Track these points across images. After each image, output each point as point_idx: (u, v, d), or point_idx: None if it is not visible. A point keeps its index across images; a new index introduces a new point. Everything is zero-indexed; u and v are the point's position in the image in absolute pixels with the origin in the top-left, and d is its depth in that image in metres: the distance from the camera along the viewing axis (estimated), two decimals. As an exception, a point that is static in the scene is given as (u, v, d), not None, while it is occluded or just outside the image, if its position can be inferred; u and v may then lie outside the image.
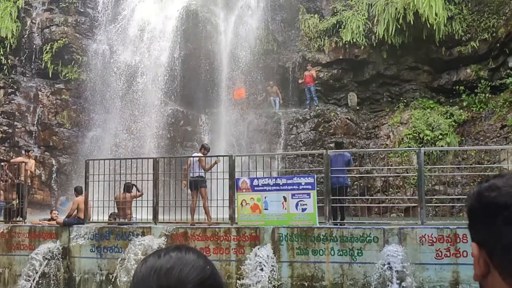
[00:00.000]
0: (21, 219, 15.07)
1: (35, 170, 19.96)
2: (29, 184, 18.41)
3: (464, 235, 10.07)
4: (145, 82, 23.71)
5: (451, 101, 22.12)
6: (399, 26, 21.71)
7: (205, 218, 13.63)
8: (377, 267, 10.10)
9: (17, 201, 15.48)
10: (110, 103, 23.81)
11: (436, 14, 21.11)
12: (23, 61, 25.82)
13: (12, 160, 16.83)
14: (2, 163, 17.64)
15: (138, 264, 1.46)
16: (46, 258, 12.94)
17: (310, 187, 11.73)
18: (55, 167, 23.81)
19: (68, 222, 13.63)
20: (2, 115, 24.05)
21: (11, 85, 24.91)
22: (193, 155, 14.99)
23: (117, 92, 23.74)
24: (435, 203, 16.44)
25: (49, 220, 15.16)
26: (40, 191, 23.22)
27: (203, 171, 13.86)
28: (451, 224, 10.67)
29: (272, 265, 11.00)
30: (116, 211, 14.31)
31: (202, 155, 14.18)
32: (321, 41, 24.10)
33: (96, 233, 13.07)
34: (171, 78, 23.68)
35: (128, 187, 14.39)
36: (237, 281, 11.14)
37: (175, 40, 24.03)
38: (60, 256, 13.13)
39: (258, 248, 11.30)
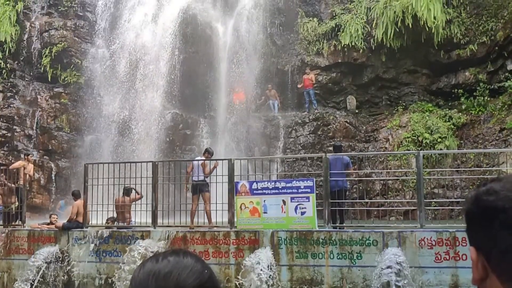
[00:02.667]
0: (20, 223, 15.06)
1: (33, 174, 19.95)
2: (28, 188, 18.40)
3: (463, 239, 10.07)
4: (144, 85, 23.71)
5: (450, 104, 22.14)
6: (397, 30, 21.75)
7: (204, 222, 13.61)
8: (377, 272, 10.09)
9: (16, 205, 15.47)
10: (109, 106, 23.80)
11: (434, 18, 21.14)
12: (22, 65, 25.83)
13: (11, 166, 16.80)
14: (2, 167, 17.62)
15: (136, 268, 1.46)
16: (45, 262, 12.93)
17: (309, 190, 11.72)
18: (54, 171, 23.79)
19: (67, 226, 13.62)
20: (1, 119, 24.05)
21: (10, 89, 24.91)
22: (196, 158, 14.98)
23: (116, 96, 23.74)
24: (434, 206, 16.44)
25: (48, 224, 15.13)
26: (39, 195, 23.20)
27: None
28: (450, 227, 10.68)
29: (271, 269, 10.99)
30: (113, 215, 14.28)
31: (205, 159, 14.18)
32: (320, 44, 24.12)
33: (95, 237, 13.05)
34: (170, 82, 23.69)
35: (127, 191, 14.39)
36: (237, 285, 11.12)
37: (174, 44, 24.04)
38: (59, 260, 13.11)
39: (258, 252, 11.28)
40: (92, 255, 12.99)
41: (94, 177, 13.70)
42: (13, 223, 15.09)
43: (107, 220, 13.95)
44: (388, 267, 9.91)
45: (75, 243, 13.30)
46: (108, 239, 12.95)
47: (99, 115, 23.99)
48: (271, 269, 10.96)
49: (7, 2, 25.99)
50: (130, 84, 23.72)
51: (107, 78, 24.24)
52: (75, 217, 13.88)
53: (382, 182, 19.11)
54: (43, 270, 12.87)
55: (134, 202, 14.26)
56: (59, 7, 26.31)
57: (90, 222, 14.01)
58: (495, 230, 1.29)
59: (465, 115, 20.96)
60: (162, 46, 24.06)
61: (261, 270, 10.70)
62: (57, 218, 15.26)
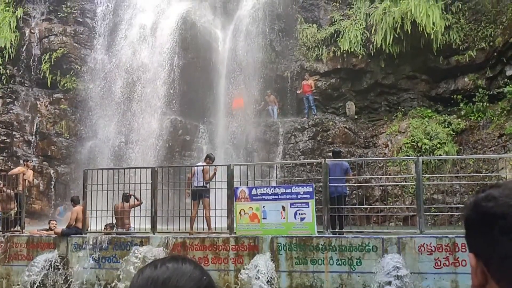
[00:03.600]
0: (19, 229, 15.03)
1: (33, 180, 19.93)
2: (27, 194, 18.39)
3: (463, 244, 10.06)
4: (143, 91, 23.73)
5: (449, 110, 22.16)
6: (396, 36, 21.79)
7: (203, 228, 13.60)
8: (377, 278, 10.08)
9: (15, 211, 15.45)
10: (109, 112, 23.81)
11: (433, 24, 21.19)
12: (22, 71, 25.84)
13: (10, 172, 16.79)
14: (1, 173, 17.59)
15: (135, 274, 1.46)
16: (44, 268, 12.90)
17: (308, 196, 11.72)
18: (53, 176, 23.77)
19: (66, 232, 13.60)
20: (1, 125, 24.04)
21: (10, 95, 24.92)
22: (197, 164, 14.98)
23: (116, 102, 23.75)
24: (434, 212, 16.43)
25: (47, 230, 15.11)
26: (38, 201, 23.16)
27: None
28: (450, 233, 10.67)
29: (271, 275, 10.97)
30: (112, 221, 14.26)
31: (206, 164, 14.18)
32: (319, 50, 24.17)
33: (95, 243, 13.04)
34: (170, 88, 23.70)
35: (126, 197, 14.39)
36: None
37: (174, 50, 24.09)
38: (58, 266, 13.09)
39: (257, 258, 11.27)
40: (91, 261, 12.97)
41: (94, 183, 13.69)
42: (12, 229, 15.06)
43: (106, 226, 13.93)
44: (389, 273, 9.90)
45: (74, 249, 13.28)
46: (107, 245, 12.93)
47: (98, 121, 23.98)
48: (270, 275, 10.94)
49: (7, 8, 26.05)
50: (129, 91, 23.74)
51: (106, 83, 24.22)
52: (74, 223, 13.86)
53: (381, 188, 19.10)
54: (42, 277, 12.83)
55: (133, 208, 14.25)
56: (58, 13, 26.36)
57: (89, 228, 14.00)
58: (494, 236, 1.29)
59: (464, 121, 20.98)
60: (161, 52, 24.09)
61: (261, 276, 10.67)
62: (56, 224, 15.24)
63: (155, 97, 23.54)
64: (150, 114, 23.40)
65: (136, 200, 14.28)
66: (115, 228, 14.19)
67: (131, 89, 23.75)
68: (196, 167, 14.31)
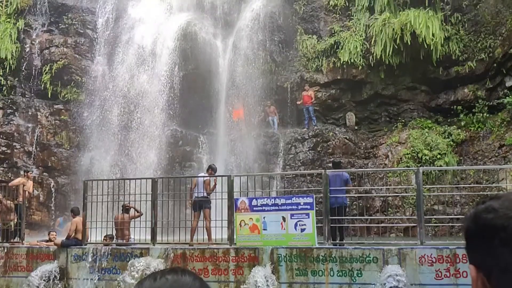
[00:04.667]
0: (19, 240, 14.99)
1: (33, 191, 19.90)
2: (27, 205, 18.35)
3: (464, 255, 10.02)
4: (144, 102, 23.76)
5: (449, 120, 22.17)
6: (396, 47, 21.86)
7: (203, 239, 13.56)
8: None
9: (15, 222, 15.42)
10: (109, 123, 23.82)
11: (433, 35, 21.27)
12: (23, 82, 25.89)
13: (10, 183, 16.77)
14: (2, 184, 17.58)
15: (134, 286, 1.46)
16: (43, 280, 12.85)
17: (309, 207, 11.70)
18: (53, 187, 23.74)
19: (66, 243, 13.56)
20: (1, 136, 24.06)
21: (10, 105, 24.96)
22: (199, 175, 14.97)
23: (116, 113, 23.77)
24: (434, 223, 16.39)
25: (47, 241, 15.07)
26: (38, 212, 23.12)
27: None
28: (450, 244, 10.63)
29: (271, 286, 10.92)
30: (112, 232, 14.22)
31: (209, 175, 14.17)
32: (319, 61, 24.23)
33: (94, 254, 12.99)
34: (170, 99, 23.74)
35: (126, 209, 14.36)
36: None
37: (174, 61, 24.15)
38: (58, 277, 13.03)
39: (257, 269, 11.22)
40: (91, 273, 12.91)
41: (94, 194, 13.67)
42: (11, 240, 15.02)
43: (105, 237, 13.89)
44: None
45: (74, 261, 13.23)
46: (107, 257, 12.88)
47: (98, 132, 23.98)
48: (271, 286, 10.89)
49: (8, 20, 26.16)
50: (129, 102, 23.78)
51: (106, 94, 24.25)
52: (73, 234, 13.82)
53: (382, 198, 19.07)
54: (42, 288, 12.78)
55: (133, 219, 14.22)
56: (59, 24, 26.46)
57: (89, 239, 13.95)
58: (495, 248, 1.29)
59: (464, 132, 20.99)
60: (162, 63, 24.15)
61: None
62: (55, 235, 15.20)
63: (155, 109, 23.55)
64: (149, 126, 23.40)
65: (136, 211, 14.25)
66: (115, 239, 14.15)
67: (128, 117, 23.73)
68: (197, 178, 14.30)
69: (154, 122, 23.45)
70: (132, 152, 23.24)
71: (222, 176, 14.00)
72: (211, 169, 14.48)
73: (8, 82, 25.60)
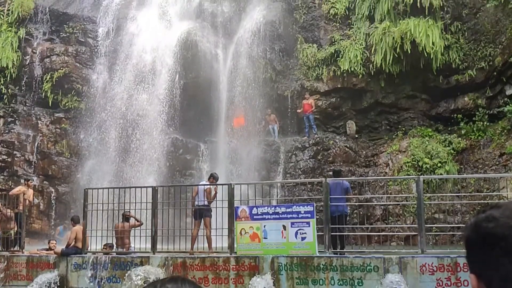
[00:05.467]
0: (18, 248, 14.95)
1: (33, 199, 19.88)
2: (27, 213, 18.32)
3: (465, 264, 9.99)
4: (144, 111, 23.78)
5: (449, 129, 22.18)
6: (396, 55, 21.90)
7: (203, 247, 13.53)
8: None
9: (15, 230, 15.38)
10: (109, 132, 23.84)
11: (433, 43, 21.32)
12: (23, 91, 25.94)
13: (11, 192, 16.75)
14: (2, 192, 17.56)
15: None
16: (43, 289, 12.81)
17: (309, 215, 11.68)
18: (53, 196, 23.72)
19: (66, 252, 13.52)
20: (2, 144, 24.08)
21: (11, 114, 25.00)
22: (201, 183, 14.95)
23: (117, 121, 23.79)
24: (435, 231, 16.37)
25: (47, 250, 15.03)
26: (39, 220, 23.09)
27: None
28: (451, 253, 10.61)
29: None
30: (112, 241, 14.18)
31: (210, 183, 14.15)
32: (320, 70, 24.28)
33: (94, 263, 12.96)
34: (170, 107, 23.78)
35: (126, 218, 14.33)
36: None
37: (174, 69, 24.21)
38: (58, 286, 12.99)
39: (257, 278, 11.19)
40: (91, 281, 12.87)
41: (94, 202, 13.65)
42: (11, 249, 14.98)
43: (104, 245, 13.86)
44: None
45: (74, 269, 13.19)
46: (107, 265, 12.84)
47: (98, 141, 24.00)
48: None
49: (10, 29, 26.26)
50: (129, 110, 23.81)
51: (107, 103, 24.28)
52: (73, 242, 13.78)
53: (382, 207, 19.04)
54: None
55: (133, 228, 14.20)
56: (60, 33, 26.54)
57: (89, 248, 13.92)
58: (495, 257, 1.29)
59: (464, 140, 20.99)
60: (162, 72, 24.20)
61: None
62: (55, 244, 15.16)
63: (157, 118, 23.58)
64: (149, 134, 23.42)
65: (136, 221, 14.23)
66: (115, 247, 14.11)
67: (131, 108, 23.81)
68: (198, 186, 14.29)
69: (154, 135, 23.45)
70: (133, 161, 23.25)
71: (222, 184, 13.99)
72: (213, 178, 14.46)
73: (9, 90, 25.65)
